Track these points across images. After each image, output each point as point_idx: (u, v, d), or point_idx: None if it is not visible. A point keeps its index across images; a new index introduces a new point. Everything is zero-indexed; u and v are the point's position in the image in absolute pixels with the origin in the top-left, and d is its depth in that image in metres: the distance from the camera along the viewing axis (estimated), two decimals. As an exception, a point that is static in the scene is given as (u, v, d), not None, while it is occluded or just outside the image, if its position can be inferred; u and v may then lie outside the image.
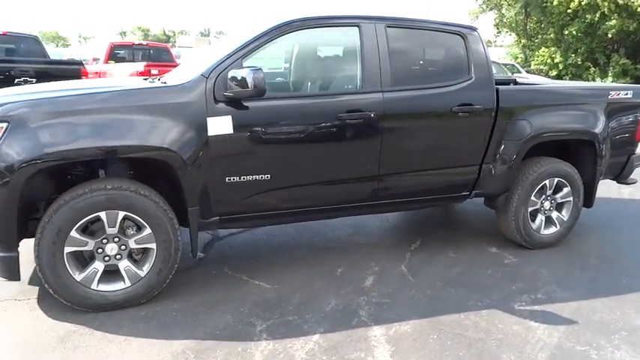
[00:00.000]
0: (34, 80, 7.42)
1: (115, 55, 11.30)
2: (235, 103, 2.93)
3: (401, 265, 3.65)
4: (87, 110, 2.66)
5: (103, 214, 2.74)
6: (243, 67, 2.89)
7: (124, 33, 76.87)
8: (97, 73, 10.12)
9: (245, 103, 2.95)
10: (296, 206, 3.27)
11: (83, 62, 8.58)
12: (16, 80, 7.54)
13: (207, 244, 3.99)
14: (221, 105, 2.91)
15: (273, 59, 4.42)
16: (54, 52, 20.89)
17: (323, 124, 3.16)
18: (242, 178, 3.03)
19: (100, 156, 2.69)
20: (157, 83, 3.12)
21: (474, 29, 3.65)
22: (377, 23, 3.32)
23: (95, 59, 11.54)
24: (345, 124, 3.18)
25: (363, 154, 3.32)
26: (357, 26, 3.28)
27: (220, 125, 2.90)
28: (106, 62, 11.02)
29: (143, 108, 2.76)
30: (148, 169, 2.98)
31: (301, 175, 3.20)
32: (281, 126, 3.07)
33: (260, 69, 2.83)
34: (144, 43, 12.96)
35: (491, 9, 25.34)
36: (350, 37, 3.31)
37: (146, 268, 2.92)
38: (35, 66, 7.85)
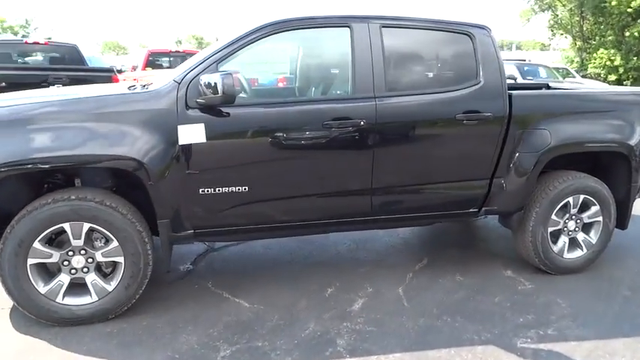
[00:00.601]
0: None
1: (152, 62, 11.54)
2: (210, 110, 2.75)
3: (399, 287, 3.33)
4: (44, 118, 2.56)
5: (66, 226, 2.63)
6: (217, 72, 2.71)
7: (180, 41, 79.73)
8: (134, 79, 10.34)
9: (221, 110, 2.76)
10: (277, 221, 3.04)
11: (115, 69, 8.76)
12: (51, 87, 7.81)
13: (200, 256, 3.83)
14: (194, 112, 2.73)
15: (281, 64, 4.22)
16: (114, 60, 21.91)
17: (307, 133, 2.92)
18: (217, 189, 2.83)
19: (55, 166, 2.58)
20: (138, 89, 2.98)
21: (483, 28, 3.29)
22: (370, 23, 3.04)
23: (134, 67, 11.83)
24: (332, 133, 2.93)
25: (352, 166, 3.05)
26: (348, 27, 3.01)
27: (192, 133, 2.72)
28: (144, 69, 11.26)
29: (106, 115, 2.62)
30: (125, 179, 2.85)
31: (283, 188, 2.97)
32: (259, 134, 2.86)
33: (230, 74, 2.64)
34: (180, 50, 13.20)
35: (543, 10, 24.13)
36: (340, 38, 3.05)
37: (114, 282, 2.78)
38: (69, 73, 8.08)
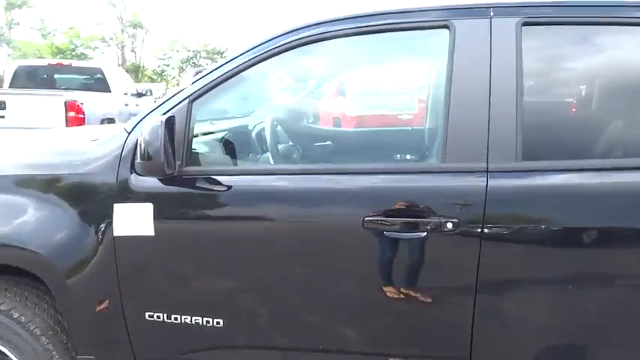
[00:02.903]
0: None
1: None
2: (170, 180, 1.59)
3: None
4: None
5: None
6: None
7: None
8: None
9: (190, 181, 1.59)
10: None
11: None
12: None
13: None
14: (146, 181, 1.60)
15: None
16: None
17: (332, 236, 1.50)
18: (173, 317, 1.64)
19: None
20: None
21: None
22: (497, 18, 1.47)
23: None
24: (383, 242, 1.44)
25: (429, 312, 1.48)
26: (446, 27, 1.50)
27: (133, 219, 1.59)
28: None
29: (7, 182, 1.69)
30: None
31: (283, 330, 1.60)
32: (248, 230, 1.57)
33: (171, 117, 1.45)
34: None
35: None
36: (424, 52, 1.57)
37: None
38: None
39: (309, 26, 1.56)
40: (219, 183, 1.57)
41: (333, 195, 1.50)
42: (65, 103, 6.12)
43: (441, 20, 1.51)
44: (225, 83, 1.63)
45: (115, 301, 1.64)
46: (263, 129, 1.96)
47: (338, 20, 1.56)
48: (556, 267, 1.43)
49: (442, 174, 1.44)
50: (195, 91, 1.61)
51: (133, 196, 1.60)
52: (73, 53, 39.57)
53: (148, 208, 1.57)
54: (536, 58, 1.49)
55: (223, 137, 1.92)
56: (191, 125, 1.60)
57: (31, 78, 7.87)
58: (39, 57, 29.18)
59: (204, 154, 1.74)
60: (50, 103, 6.03)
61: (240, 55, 1.63)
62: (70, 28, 41.32)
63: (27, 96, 6.14)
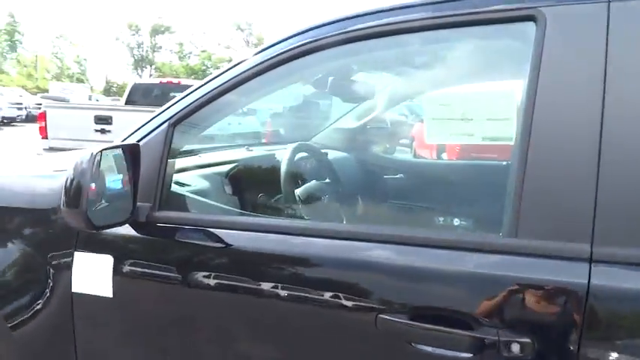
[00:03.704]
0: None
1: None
2: (138, 226, 1.21)
3: None
4: None
5: None
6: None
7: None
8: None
9: (158, 229, 1.20)
10: None
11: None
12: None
13: None
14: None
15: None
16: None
17: (337, 335, 1.00)
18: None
19: None
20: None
21: None
22: (620, 0, 0.87)
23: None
24: (405, 353, 0.90)
25: None
26: (533, 19, 0.93)
27: (92, 273, 1.24)
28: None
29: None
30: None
31: None
32: (229, 307, 1.13)
33: (132, 146, 1.08)
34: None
35: None
36: (502, 57, 1.01)
37: None
38: None
39: (311, 29, 1.09)
40: (206, 237, 1.14)
41: (341, 271, 1.00)
42: (163, 119, 6.29)
43: (523, 9, 0.95)
44: (223, 98, 1.21)
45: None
46: (282, 163, 1.51)
47: (368, 15, 1.06)
48: None
49: (509, 256, 0.87)
50: (179, 112, 1.22)
51: (95, 244, 1.25)
52: (204, 74, 43.34)
53: (108, 261, 1.21)
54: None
55: (227, 173, 1.50)
56: (170, 156, 1.22)
57: (145, 95, 8.34)
58: (175, 77, 32.22)
59: (189, 196, 1.34)
60: (149, 119, 6.25)
61: (226, 70, 1.21)
62: (203, 51, 45.35)
63: (130, 112, 6.42)
